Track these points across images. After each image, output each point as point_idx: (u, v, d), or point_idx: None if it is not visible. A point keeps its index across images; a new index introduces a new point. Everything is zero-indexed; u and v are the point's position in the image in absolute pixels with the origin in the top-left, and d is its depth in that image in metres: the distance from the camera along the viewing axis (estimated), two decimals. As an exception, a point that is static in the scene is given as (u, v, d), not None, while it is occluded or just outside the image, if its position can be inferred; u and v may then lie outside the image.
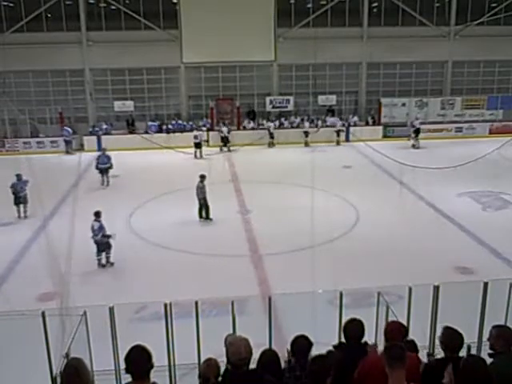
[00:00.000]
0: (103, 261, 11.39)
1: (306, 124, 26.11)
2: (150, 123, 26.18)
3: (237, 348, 3.71)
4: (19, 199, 14.62)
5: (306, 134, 25.54)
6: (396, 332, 4.34)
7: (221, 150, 24.63)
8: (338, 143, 25.78)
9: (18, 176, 14.91)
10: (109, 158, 18.14)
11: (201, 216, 14.26)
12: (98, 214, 11.34)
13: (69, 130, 24.20)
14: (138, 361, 3.65)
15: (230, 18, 24.39)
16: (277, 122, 26.63)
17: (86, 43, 25.90)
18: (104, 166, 17.96)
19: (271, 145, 25.60)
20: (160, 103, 27.44)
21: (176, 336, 5.97)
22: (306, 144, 25.46)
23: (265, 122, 26.73)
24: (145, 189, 17.36)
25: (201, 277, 10.59)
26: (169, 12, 26.03)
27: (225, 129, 25.07)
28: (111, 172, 18.17)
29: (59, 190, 17.07)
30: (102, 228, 11.25)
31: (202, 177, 14.17)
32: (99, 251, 11.34)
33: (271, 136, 25.55)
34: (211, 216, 14.18)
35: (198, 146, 23.07)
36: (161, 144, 24.33)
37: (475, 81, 28.62)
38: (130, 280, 10.44)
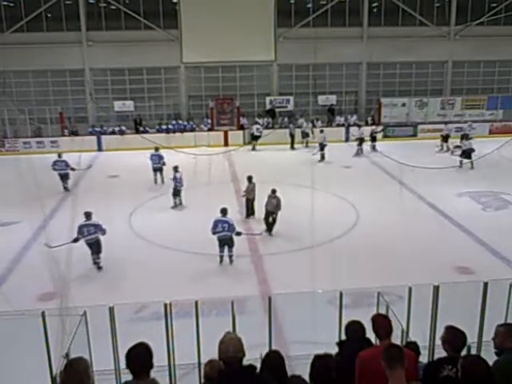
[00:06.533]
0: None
1: (304, 124, 25.83)
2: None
3: (225, 346, 3.74)
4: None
5: (304, 134, 25.17)
6: (383, 325, 4.31)
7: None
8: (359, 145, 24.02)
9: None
10: (161, 157, 18.04)
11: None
12: (224, 211, 11.27)
13: (62, 160, 17.59)
14: (141, 358, 3.63)
15: (230, 17, 24.41)
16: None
17: (86, 43, 25.91)
18: (157, 166, 17.97)
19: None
20: (160, 103, 27.47)
21: (176, 336, 5.97)
22: (302, 143, 25.08)
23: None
24: (145, 188, 17.37)
25: (201, 277, 10.62)
26: (169, 12, 26.07)
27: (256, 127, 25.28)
28: (113, 172, 17.94)
29: (59, 190, 17.10)
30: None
31: (249, 178, 14.33)
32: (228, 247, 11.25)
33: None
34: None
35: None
36: (161, 144, 24.26)
37: (475, 81, 28.65)
38: (129, 280, 10.43)
